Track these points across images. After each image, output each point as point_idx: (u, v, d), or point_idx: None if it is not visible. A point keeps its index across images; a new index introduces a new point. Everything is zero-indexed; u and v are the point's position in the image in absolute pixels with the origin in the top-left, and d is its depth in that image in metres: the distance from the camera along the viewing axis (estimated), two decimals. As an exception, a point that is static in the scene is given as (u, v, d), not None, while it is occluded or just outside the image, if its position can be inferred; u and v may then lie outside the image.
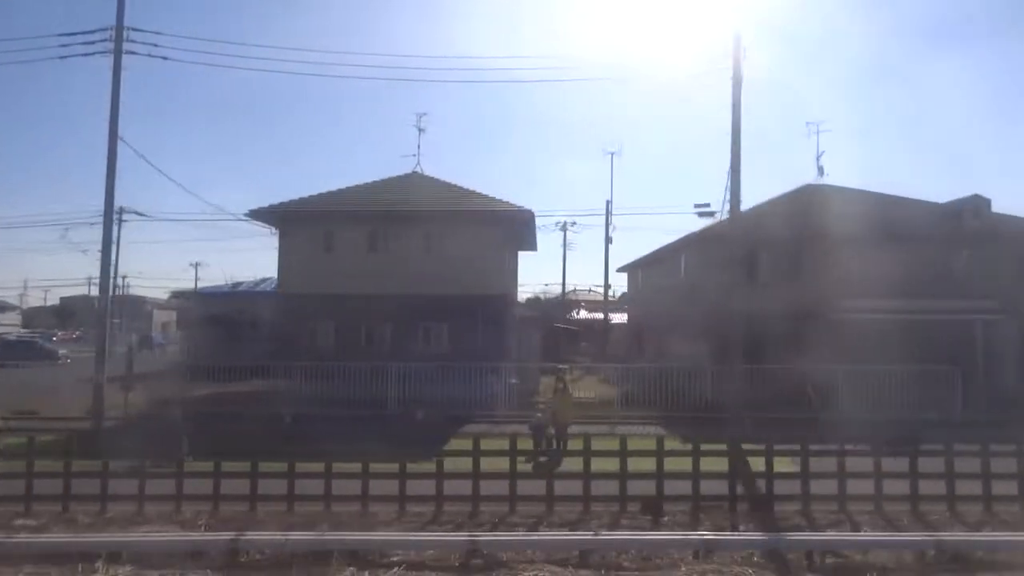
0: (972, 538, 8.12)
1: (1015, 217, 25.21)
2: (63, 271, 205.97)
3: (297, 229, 24.31)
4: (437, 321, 22.96)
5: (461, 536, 7.82)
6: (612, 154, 39.78)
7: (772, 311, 23.02)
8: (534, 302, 50.90)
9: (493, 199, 24.43)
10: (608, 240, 38.22)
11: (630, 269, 38.25)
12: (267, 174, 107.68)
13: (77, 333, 68.93)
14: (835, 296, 22.97)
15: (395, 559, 7.23)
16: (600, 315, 41.89)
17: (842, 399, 18.99)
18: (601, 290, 44.13)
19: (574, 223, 42.24)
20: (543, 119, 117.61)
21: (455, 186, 25.62)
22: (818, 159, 29.72)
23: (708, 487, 9.40)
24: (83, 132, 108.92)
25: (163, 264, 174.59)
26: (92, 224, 40.54)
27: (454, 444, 13.53)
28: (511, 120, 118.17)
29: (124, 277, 57.71)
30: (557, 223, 42.18)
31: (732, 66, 16.79)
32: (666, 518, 9.02)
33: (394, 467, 9.39)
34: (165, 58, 17.50)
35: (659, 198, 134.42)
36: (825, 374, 19.31)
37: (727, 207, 17.49)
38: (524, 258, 35.51)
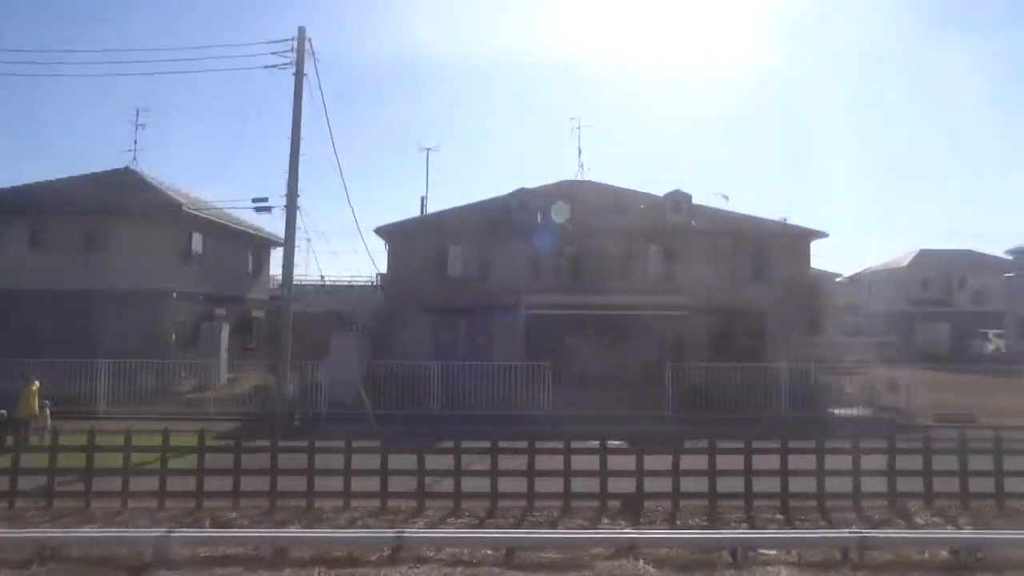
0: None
1: (718, 210, 24.80)
2: None
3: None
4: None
5: None
6: (428, 150, 39.26)
7: (459, 306, 22.69)
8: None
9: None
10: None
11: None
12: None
13: None
14: (519, 292, 22.51)
15: None
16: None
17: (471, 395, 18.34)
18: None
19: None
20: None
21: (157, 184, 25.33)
22: (579, 154, 29.95)
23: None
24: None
25: None
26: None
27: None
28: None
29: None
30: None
31: (295, 60, 16.26)
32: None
33: None
34: None
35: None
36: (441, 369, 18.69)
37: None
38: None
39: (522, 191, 24.01)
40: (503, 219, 23.76)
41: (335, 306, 28.25)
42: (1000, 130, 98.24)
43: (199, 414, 17.27)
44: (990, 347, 39.71)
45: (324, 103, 20.01)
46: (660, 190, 25.06)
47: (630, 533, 8.07)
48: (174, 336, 22.37)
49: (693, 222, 23.63)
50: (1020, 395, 20.19)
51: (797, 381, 18.85)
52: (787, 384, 17.98)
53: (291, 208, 16.56)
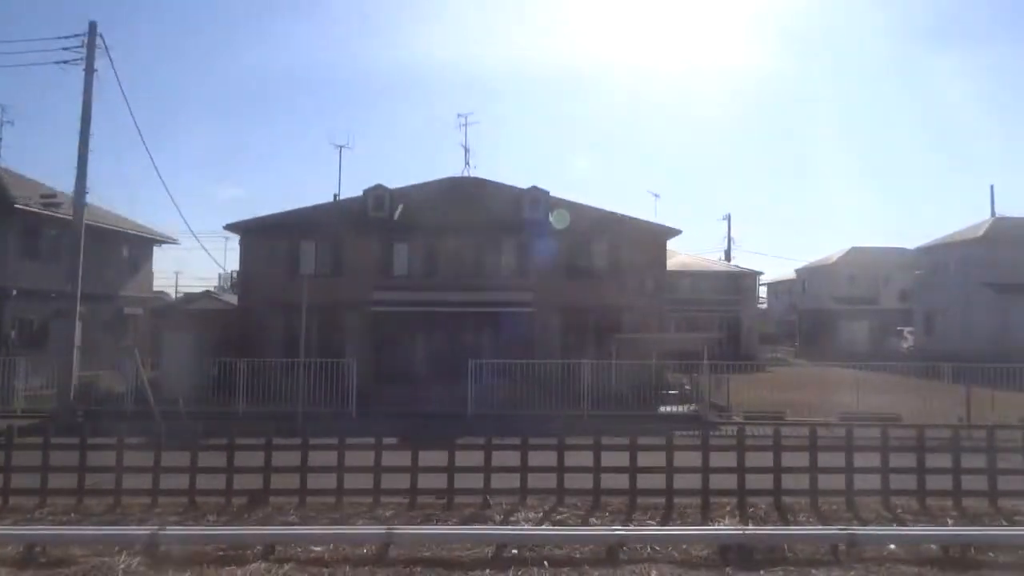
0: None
1: (579, 205, 24.60)
2: None
3: None
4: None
5: None
6: (341, 147, 39.01)
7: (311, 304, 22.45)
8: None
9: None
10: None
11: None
12: None
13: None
14: (371, 289, 22.34)
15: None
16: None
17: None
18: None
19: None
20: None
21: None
22: (465, 150, 29.65)
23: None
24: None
25: None
26: None
27: None
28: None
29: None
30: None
31: (86, 56, 16.09)
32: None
33: None
34: None
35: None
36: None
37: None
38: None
39: (378, 188, 23.80)
40: (360, 216, 23.57)
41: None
42: (979, 132, 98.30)
43: (7, 411, 17.15)
44: (905, 344, 39.66)
45: (125, 97, 19.87)
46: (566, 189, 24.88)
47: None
48: (13, 334, 22.14)
49: (550, 218, 23.44)
50: (860, 392, 19.95)
51: (618, 380, 18.66)
52: (591, 382, 17.75)
53: (79, 202, 16.43)
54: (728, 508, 9.02)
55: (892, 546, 7.38)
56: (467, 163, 29.55)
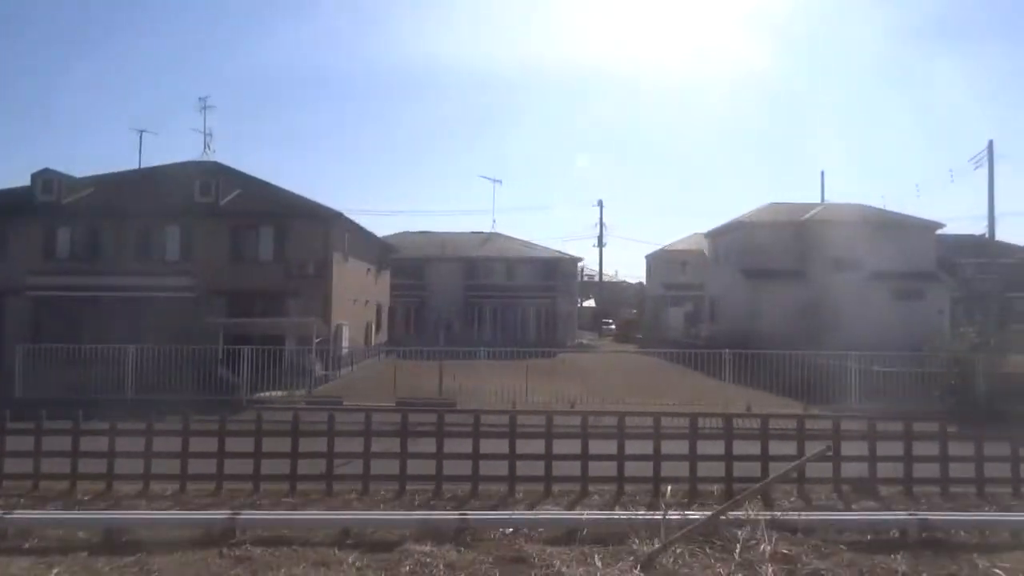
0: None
1: (258, 189, 24.34)
2: None
3: None
4: None
5: None
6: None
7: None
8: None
9: None
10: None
11: None
12: None
13: None
14: (33, 275, 22.10)
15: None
16: None
17: None
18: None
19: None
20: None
21: None
22: (205, 135, 29.20)
23: None
24: None
25: None
26: None
27: None
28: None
29: None
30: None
31: None
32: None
33: None
34: None
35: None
36: None
37: None
38: None
39: (47, 172, 23.50)
40: (26, 202, 23.24)
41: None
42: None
43: None
44: (705, 330, 39.80)
45: None
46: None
47: None
48: None
49: (221, 202, 23.20)
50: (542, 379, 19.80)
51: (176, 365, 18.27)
52: (135, 366, 17.52)
53: None
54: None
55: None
56: (207, 147, 29.11)
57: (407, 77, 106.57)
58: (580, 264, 48.24)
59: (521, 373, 19.87)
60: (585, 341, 42.53)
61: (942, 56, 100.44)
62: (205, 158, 28.63)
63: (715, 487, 8.86)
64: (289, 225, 23.06)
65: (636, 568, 5.87)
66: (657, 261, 50.35)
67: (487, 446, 9.08)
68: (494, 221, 53.31)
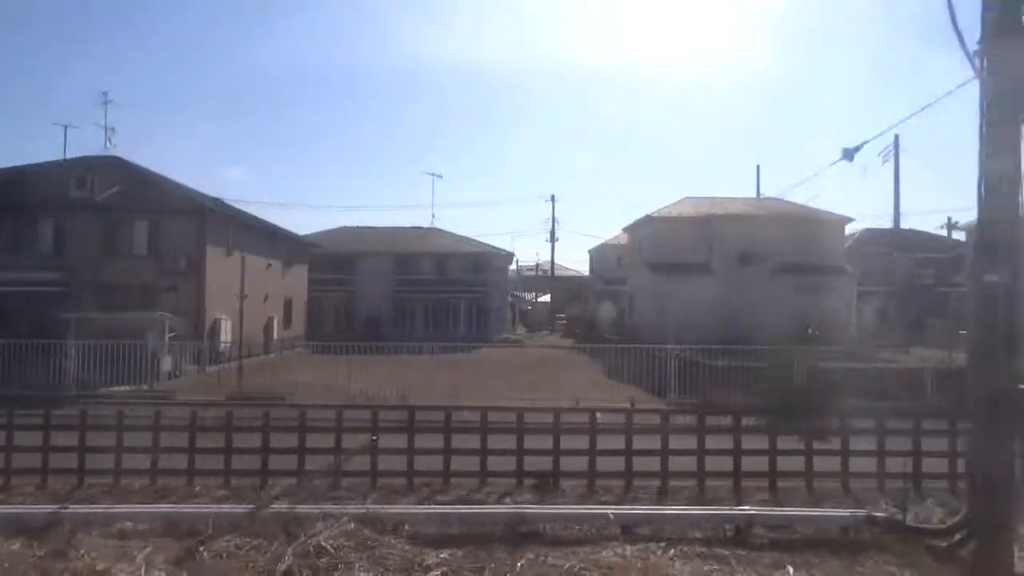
0: None
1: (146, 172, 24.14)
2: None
3: None
4: None
5: None
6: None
7: None
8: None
9: None
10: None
11: None
12: None
13: None
14: None
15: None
16: None
17: None
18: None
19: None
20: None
21: None
22: (106, 130, 29.19)
23: None
24: None
25: None
26: None
27: None
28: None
29: None
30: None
31: None
32: None
33: None
34: None
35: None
36: None
37: None
38: None
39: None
40: None
41: None
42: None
43: None
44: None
45: None
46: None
47: None
48: None
49: (98, 197, 23.04)
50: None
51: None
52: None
53: None
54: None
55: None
56: (108, 142, 29.00)
57: (405, 76, 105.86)
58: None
59: (429, 368, 19.87)
60: (514, 336, 42.48)
61: (942, 56, 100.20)
62: (107, 152, 28.54)
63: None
64: (163, 220, 22.92)
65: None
66: (597, 255, 50.28)
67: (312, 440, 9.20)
68: (433, 216, 52.39)
